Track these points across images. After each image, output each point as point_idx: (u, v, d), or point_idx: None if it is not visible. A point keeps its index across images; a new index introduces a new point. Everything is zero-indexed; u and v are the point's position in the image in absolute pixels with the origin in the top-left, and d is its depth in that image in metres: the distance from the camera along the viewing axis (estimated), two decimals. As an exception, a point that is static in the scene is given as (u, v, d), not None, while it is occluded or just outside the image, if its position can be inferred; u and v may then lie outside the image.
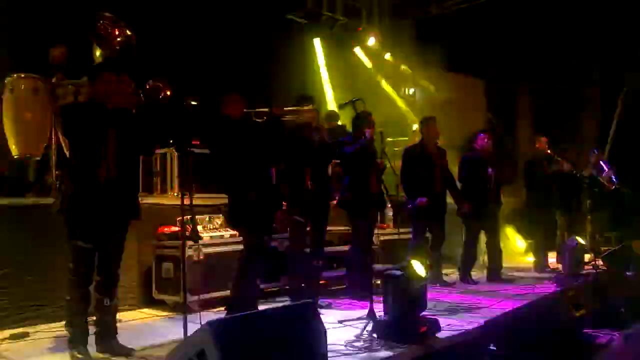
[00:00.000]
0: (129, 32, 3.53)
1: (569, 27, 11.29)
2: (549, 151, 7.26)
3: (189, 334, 3.03)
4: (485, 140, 6.58)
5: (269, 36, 9.51)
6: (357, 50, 10.85)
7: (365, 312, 4.25)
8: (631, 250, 6.81)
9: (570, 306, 4.17)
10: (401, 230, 6.31)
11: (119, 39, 3.48)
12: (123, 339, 3.69)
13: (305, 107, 4.84)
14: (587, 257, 7.58)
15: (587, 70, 11.50)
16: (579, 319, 4.21)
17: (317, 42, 10.19)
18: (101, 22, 3.50)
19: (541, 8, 10.91)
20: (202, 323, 2.75)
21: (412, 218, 6.08)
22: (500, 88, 11.99)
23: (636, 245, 6.94)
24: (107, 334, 3.63)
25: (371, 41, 10.88)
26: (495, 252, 6.66)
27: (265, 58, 9.32)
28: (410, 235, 6.40)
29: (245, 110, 4.30)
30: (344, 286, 5.59)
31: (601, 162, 8.10)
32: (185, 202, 3.49)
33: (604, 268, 6.85)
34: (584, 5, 11.16)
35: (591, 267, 7.00)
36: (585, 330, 4.40)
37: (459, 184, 6.50)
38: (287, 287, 5.26)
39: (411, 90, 11.52)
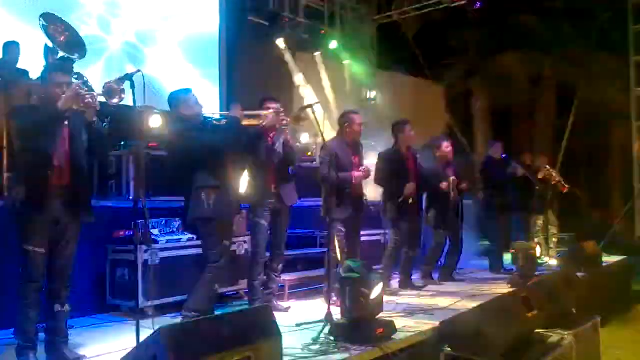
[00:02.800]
0: (78, 34, 3.45)
1: (526, 32, 11.63)
2: (504, 155, 7.43)
3: (141, 340, 2.99)
4: (448, 148, 6.70)
5: (232, 38, 9.48)
6: (320, 53, 10.89)
7: (323, 314, 4.27)
8: (583, 251, 7.01)
9: (523, 307, 4.27)
10: (364, 232, 6.33)
11: (69, 40, 3.40)
12: (75, 345, 3.61)
13: (268, 111, 4.82)
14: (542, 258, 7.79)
15: (542, 75, 11.84)
16: (531, 320, 4.31)
17: (280, 44, 10.16)
18: (51, 23, 3.40)
19: (498, 14, 11.21)
20: (156, 328, 2.73)
21: (390, 221, 6.02)
22: (458, 92, 12.24)
23: (587, 246, 7.16)
24: (58, 341, 3.54)
25: (333, 44, 10.94)
26: (453, 254, 6.80)
27: (228, 60, 9.29)
28: (377, 237, 6.44)
29: (204, 112, 4.26)
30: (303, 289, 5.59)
31: (547, 166, 8.34)
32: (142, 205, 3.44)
33: (557, 269, 7.05)
34: (541, 12, 11.51)
35: (544, 268, 7.20)
36: (537, 330, 4.51)
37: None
38: (246, 291, 5.23)
39: (372, 94, 11.63)
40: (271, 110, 4.76)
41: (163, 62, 7.97)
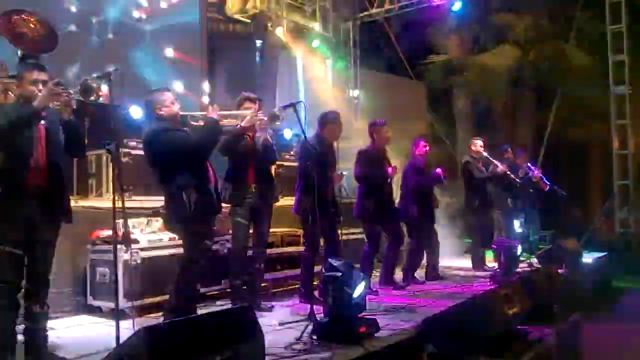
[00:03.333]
0: (50, 28, 3.37)
1: (506, 31, 11.74)
2: (484, 153, 7.49)
3: (121, 341, 2.95)
4: (425, 147, 6.75)
5: (213, 36, 9.42)
6: (301, 52, 10.87)
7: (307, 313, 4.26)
8: (563, 249, 7.08)
9: (504, 303, 4.30)
10: (344, 231, 6.33)
11: (41, 36, 3.31)
12: (54, 347, 3.56)
13: (246, 110, 4.80)
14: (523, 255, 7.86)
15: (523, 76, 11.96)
16: (512, 316, 4.35)
17: (260, 43, 10.13)
18: (19, 19, 3.32)
19: (479, 13, 11.30)
20: (136, 329, 2.69)
21: (365, 222, 6.03)
22: (440, 92, 12.31)
23: (568, 243, 7.24)
24: (37, 343, 3.48)
25: (315, 43, 10.92)
26: (434, 252, 6.84)
27: (210, 58, 9.24)
28: (357, 236, 6.47)
29: (181, 112, 4.21)
30: (286, 288, 5.59)
31: (528, 164, 8.42)
32: (120, 205, 3.40)
33: (538, 266, 7.11)
34: (522, 11, 11.62)
35: (526, 265, 7.27)
36: (519, 327, 4.55)
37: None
38: (229, 290, 5.20)
39: (355, 92, 11.65)
40: (249, 111, 4.75)
41: (143, 60, 7.89)
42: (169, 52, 8.48)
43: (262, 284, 5.34)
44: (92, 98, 3.37)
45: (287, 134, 8.48)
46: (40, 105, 3.32)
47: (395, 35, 11.98)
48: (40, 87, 3.40)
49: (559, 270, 6.39)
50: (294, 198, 5.47)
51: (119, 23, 7.73)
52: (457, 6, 11.01)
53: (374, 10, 11.61)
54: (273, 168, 5.56)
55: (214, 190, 4.25)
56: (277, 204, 5.25)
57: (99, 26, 7.39)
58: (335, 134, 5.50)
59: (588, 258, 7.80)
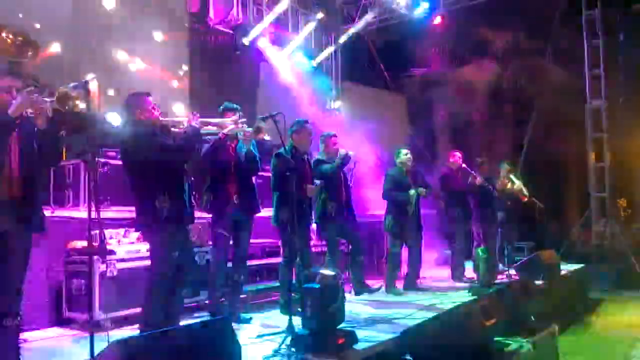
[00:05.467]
0: (28, 38, 3.32)
1: (485, 45, 11.90)
2: (463, 165, 7.55)
3: (96, 354, 2.90)
4: (408, 156, 6.80)
5: (196, 45, 9.42)
6: (284, 63, 10.89)
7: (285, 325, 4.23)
8: (541, 260, 7.15)
9: (482, 315, 4.32)
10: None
11: (17, 44, 3.27)
12: (27, 360, 3.48)
13: (229, 119, 4.77)
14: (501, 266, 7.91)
15: (501, 89, 12.11)
16: (490, 328, 4.37)
17: (244, 54, 10.14)
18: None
19: (458, 27, 11.44)
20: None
21: (324, 231, 6.01)
22: (420, 104, 12.41)
23: (545, 255, 7.30)
24: (9, 357, 3.41)
25: (297, 54, 10.95)
26: (415, 263, 6.85)
27: (192, 67, 9.23)
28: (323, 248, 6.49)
29: (161, 118, 4.17)
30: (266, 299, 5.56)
31: (511, 176, 8.49)
32: (96, 215, 3.35)
33: (516, 277, 7.16)
34: (500, 27, 11.78)
35: (504, 276, 7.31)
36: (496, 338, 4.56)
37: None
38: (208, 302, 5.14)
39: (336, 104, 11.70)
40: (230, 119, 4.72)
41: (128, 66, 7.82)
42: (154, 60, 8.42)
43: (242, 296, 5.29)
44: (68, 106, 3.32)
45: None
46: (15, 113, 3.27)
47: (377, 48, 12.08)
48: (15, 94, 3.35)
49: (536, 282, 6.44)
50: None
51: (98, 28, 7.66)
52: (437, 20, 11.18)
53: (355, 24, 11.68)
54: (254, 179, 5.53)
55: (187, 200, 4.18)
56: (258, 215, 5.23)
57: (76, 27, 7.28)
58: (303, 142, 5.48)
59: (565, 269, 7.89)
